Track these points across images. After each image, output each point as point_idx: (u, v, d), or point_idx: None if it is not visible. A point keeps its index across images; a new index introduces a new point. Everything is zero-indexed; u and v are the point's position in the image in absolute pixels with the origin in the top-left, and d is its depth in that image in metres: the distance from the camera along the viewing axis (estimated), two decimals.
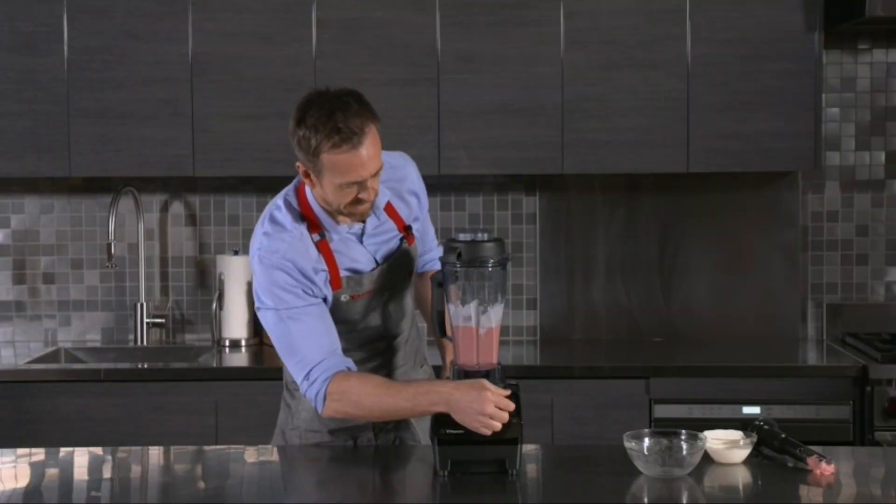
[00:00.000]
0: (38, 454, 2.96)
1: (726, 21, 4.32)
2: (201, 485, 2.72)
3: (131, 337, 4.73)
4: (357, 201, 2.81)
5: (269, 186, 4.72)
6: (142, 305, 4.68)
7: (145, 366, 4.30)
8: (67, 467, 2.86)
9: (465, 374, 2.77)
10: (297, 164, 2.84)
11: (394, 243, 3.00)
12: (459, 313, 2.77)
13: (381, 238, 2.98)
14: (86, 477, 2.79)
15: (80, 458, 2.93)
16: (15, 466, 2.85)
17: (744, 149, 4.33)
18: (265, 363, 4.31)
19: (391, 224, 3.00)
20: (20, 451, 3.00)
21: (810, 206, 4.70)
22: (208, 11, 4.36)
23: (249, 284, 4.62)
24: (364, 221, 2.92)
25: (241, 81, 4.36)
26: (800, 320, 4.69)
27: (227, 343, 4.60)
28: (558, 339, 4.69)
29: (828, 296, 4.71)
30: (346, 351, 2.90)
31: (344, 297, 2.91)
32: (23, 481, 2.74)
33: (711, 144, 4.34)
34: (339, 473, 2.80)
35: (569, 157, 4.33)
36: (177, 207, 4.76)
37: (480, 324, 2.76)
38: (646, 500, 2.56)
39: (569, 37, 4.33)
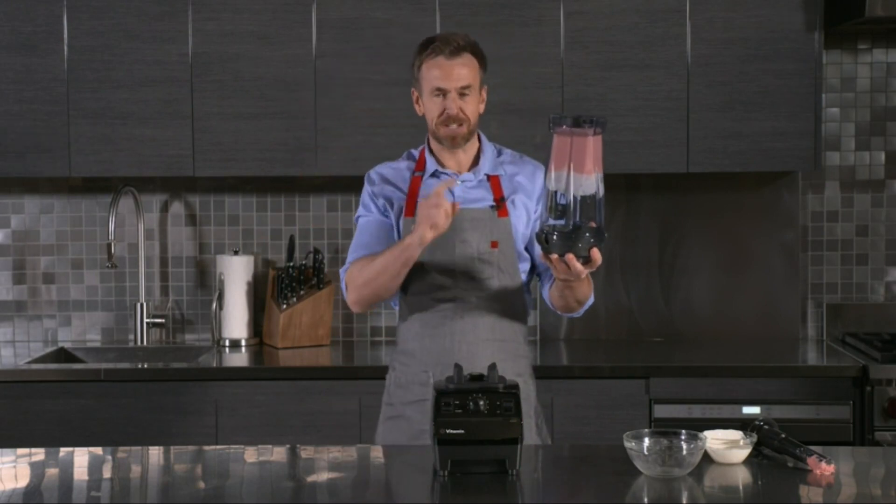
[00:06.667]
0: (38, 454, 2.96)
1: (726, 21, 4.32)
2: (201, 485, 2.72)
3: (131, 337, 4.73)
4: (446, 119, 3.17)
5: (269, 186, 4.72)
6: (142, 305, 4.68)
7: (145, 366, 4.30)
8: (67, 467, 2.86)
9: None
10: (412, 89, 3.26)
11: (482, 205, 3.26)
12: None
13: (471, 195, 3.26)
14: (86, 477, 2.79)
15: (80, 458, 2.93)
16: (15, 466, 2.85)
17: (744, 149, 4.33)
18: (265, 363, 4.31)
19: (488, 191, 3.27)
20: (20, 451, 2.99)
21: (810, 206, 4.70)
22: (208, 11, 4.36)
23: (249, 284, 4.62)
24: (458, 146, 3.24)
25: (241, 81, 4.36)
26: (800, 320, 4.68)
27: (227, 343, 4.60)
28: (558, 339, 4.69)
29: (828, 296, 4.71)
30: (416, 294, 3.25)
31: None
32: (23, 481, 2.74)
33: (711, 144, 4.34)
34: (338, 473, 2.80)
35: None
36: (177, 207, 4.76)
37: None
38: (646, 500, 2.56)
39: (569, 37, 4.34)
